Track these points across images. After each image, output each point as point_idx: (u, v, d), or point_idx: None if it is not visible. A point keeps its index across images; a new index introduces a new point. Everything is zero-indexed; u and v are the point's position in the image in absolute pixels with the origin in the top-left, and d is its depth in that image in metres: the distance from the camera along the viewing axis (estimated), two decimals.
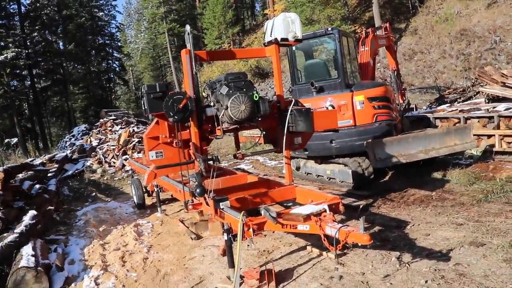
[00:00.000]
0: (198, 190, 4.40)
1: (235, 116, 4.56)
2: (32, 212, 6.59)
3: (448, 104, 12.26)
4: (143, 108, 5.05)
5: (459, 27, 23.70)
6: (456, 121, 9.52)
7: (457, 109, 10.14)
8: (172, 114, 4.47)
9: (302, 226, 3.87)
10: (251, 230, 3.96)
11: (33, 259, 4.98)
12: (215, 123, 4.84)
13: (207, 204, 4.64)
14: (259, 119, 4.96)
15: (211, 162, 4.67)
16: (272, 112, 5.10)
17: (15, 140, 33.49)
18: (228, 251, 4.36)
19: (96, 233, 6.99)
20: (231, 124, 4.80)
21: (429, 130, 8.34)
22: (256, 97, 4.72)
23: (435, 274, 4.07)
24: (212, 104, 4.85)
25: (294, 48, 8.58)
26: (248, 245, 5.30)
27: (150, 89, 4.81)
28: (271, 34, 5.18)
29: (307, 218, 3.90)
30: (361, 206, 6.36)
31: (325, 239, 3.74)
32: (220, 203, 4.46)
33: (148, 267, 5.26)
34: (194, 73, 4.75)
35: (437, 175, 7.79)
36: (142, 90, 4.91)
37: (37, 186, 8.72)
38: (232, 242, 4.29)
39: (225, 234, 4.28)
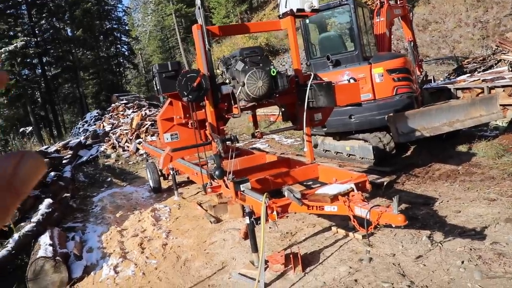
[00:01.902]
0: (217, 173, 4.19)
1: (253, 93, 4.31)
2: (48, 201, 6.47)
3: (468, 74, 11.82)
4: (155, 89, 4.82)
5: None
6: (479, 91, 9.13)
7: (479, 79, 9.73)
8: (186, 94, 4.23)
9: (330, 207, 3.65)
10: (274, 212, 3.75)
11: (50, 248, 4.86)
12: (232, 101, 4.60)
13: (227, 186, 4.44)
14: (277, 95, 4.71)
15: (229, 143, 4.44)
16: (290, 88, 4.84)
17: (29, 128, 33.75)
18: (250, 235, 4.16)
19: (113, 219, 6.86)
20: (248, 102, 4.56)
21: (453, 101, 7.99)
22: (273, 72, 4.46)
23: (471, 254, 3.84)
24: (227, 81, 4.60)
25: (307, 20, 8.24)
26: (270, 228, 5.11)
27: (162, 68, 4.56)
28: (286, 5, 4.88)
29: (334, 198, 3.67)
30: (385, 183, 6.11)
31: (355, 220, 3.51)
32: (241, 185, 4.26)
33: (168, 253, 5.10)
34: (207, 49, 4.49)
35: (462, 148, 7.47)
36: (154, 70, 4.67)
37: (52, 173, 8.61)
38: (254, 225, 4.09)
39: (247, 217, 4.08)
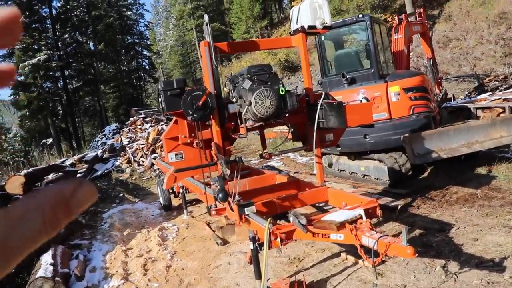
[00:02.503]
0: (220, 195, 4.04)
1: (260, 113, 4.17)
2: None
3: (489, 93, 11.49)
4: (161, 107, 4.72)
5: (498, 10, 22.49)
6: (500, 111, 8.82)
7: (500, 98, 9.42)
8: (191, 112, 4.11)
9: (336, 235, 3.45)
10: (278, 239, 3.58)
11: (51, 268, 4.75)
12: (238, 121, 4.46)
13: (232, 209, 4.28)
14: (287, 114, 4.56)
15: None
16: (300, 107, 4.69)
17: (50, 140, 34.31)
18: (254, 261, 3.97)
19: (119, 237, 6.75)
20: (256, 122, 4.41)
21: (472, 121, 7.70)
22: (282, 91, 4.32)
23: (488, 287, 3.58)
24: (234, 100, 4.47)
25: (323, 37, 8.12)
26: (276, 253, 4.91)
27: (167, 85, 4.45)
28: (297, 21, 4.76)
29: (341, 226, 3.48)
30: (399, 207, 5.86)
31: (362, 250, 3.31)
32: (245, 209, 4.10)
33: (171, 276, 4.94)
34: (214, 66, 4.38)
35: (481, 170, 7.18)
36: (159, 87, 4.57)
37: None
38: (258, 251, 3.91)
39: (251, 242, 3.90)
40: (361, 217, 3.61)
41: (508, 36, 20.80)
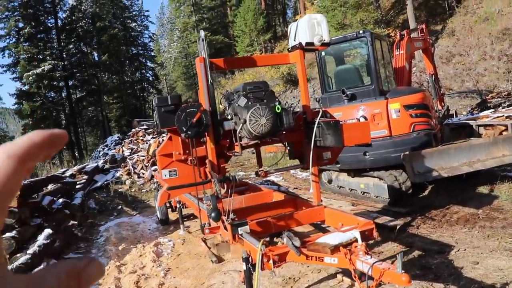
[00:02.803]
0: (213, 215, 3.95)
1: (255, 131, 4.09)
2: (48, 231, 6.30)
3: (492, 110, 11.40)
4: (155, 123, 4.65)
5: (501, 26, 22.49)
6: (502, 129, 8.73)
7: (503, 115, 9.34)
8: (185, 129, 4.04)
9: (330, 259, 3.36)
10: (271, 261, 3.48)
11: None
12: (233, 138, 4.38)
13: (225, 228, 4.19)
14: (283, 132, 4.48)
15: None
16: (297, 125, 4.61)
17: None
18: (247, 282, 3.87)
19: (114, 252, 6.65)
20: (251, 139, 4.33)
21: (474, 140, 7.61)
22: (278, 108, 4.24)
23: None
24: (229, 117, 4.40)
25: (323, 53, 8.07)
26: (270, 274, 4.80)
27: (161, 102, 4.39)
28: (295, 38, 4.70)
29: (335, 249, 3.38)
30: (398, 227, 5.75)
31: (356, 275, 3.21)
32: (239, 228, 4.00)
33: None
34: (209, 83, 4.32)
35: (483, 189, 7.06)
36: (153, 103, 4.51)
37: (60, 200, 8.49)
38: (251, 272, 3.80)
39: (244, 263, 3.80)
40: (356, 240, 3.51)
41: (511, 53, 20.76)
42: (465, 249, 4.95)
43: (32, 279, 0.36)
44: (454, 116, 12.17)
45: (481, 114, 10.84)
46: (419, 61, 20.16)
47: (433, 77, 11.01)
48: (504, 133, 8.69)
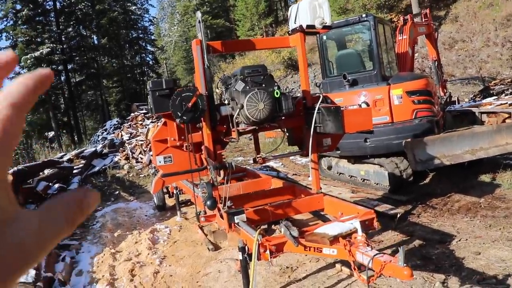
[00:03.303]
0: (208, 203, 3.82)
1: (253, 116, 3.94)
2: None
3: (495, 97, 11.24)
4: (149, 108, 4.50)
5: (506, 12, 22.16)
6: (506, 116, 8.58)
7: (506, 103, 9.18)
8: (180, 115, 3.89)
9: (329, 250, 3.24)
10: (268, 252, 3.37)
11: (33, 272, 4.55)
12: (230, 124, 4.24)
13: (221, 216, 4.07)
14: (282, 118, 4.34)
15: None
16: (297, 110, 4.47)
17: (52, 133, 34.23)
18: (243, 272, 3.76)
19: (110, 239, 6.55)
20: (249, 125, 4.18)
21: (476, 127, 7.46)
22: (277, 93, 4.09)
23: None
24: (226, 102, 4.25)
25: (325, 37, 7.88)
26: (267, 264, 4.70)
27: (156, 85, 4.22)
28: (295, 21, 4.53)
29: (334, 240, 3.26)
30: (398, 215, 5.64)
31: (355, 267, 3.09)
32: (235, 217, 3.89)
33: (158, 283, 4.74)
34: (206, 66, 4.16)
35: (485, 178, 6.94)
36: (147, 87, 4.35)
37: (56, 186, 8.40)
38: (247, 262, 3.70)
39: (240, 253, 3.69)
40: (356, 231, 3.39)
41: None
42: (466, 239, 4.84)
43: (44, 213, 0.38)
44: (457, 103, 12.02)
45: (484, 101, 10.68)
46: (421, 47, 19.87)
47: (436, 63, 10.81)
48: (507, 120, 8.55)
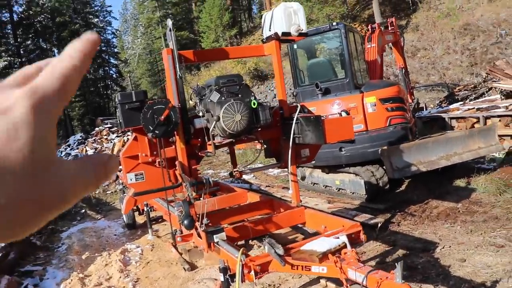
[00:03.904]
0: (185, 222, 3.57)
1: (229, 128, 3.73)
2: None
3: (461, 102, 11.44)
4: (118, 122, 4.22)
5: (462, 21, 22.91)
6: (474, 121, 8.70)
7: (473, 108, 9.31)
8: (151, 128, 3.64)
9: (318, 268, 3.05)
10: (252, 272, 3.14)
11: None
12: (206, 137, 4.01)
13: (199, 235, 3.82)
14: (259, 129, 4.15)
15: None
16: (274, 121, 4.28)
17: None
18: None
19: (77, 262, 6.15)
20: (225, 138, 3.97)
21: (450, 133, 7.50)
22: (254, 104, 3.90)
23: None
24: (201, 114, 4.02)
25: (295, 46, 7.77)
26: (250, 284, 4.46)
27: (125, 98, 3.93)
28: (270, 28, 4.37)
29: (323, 257, 3.07)
30: (379, 225, 5.52)
31: (347, 284, 2.91)
32: (214, 236, 3.64)
33: None
34: (178, 77, 3.93)
35: (460, 183, 6.95)
36: (116, 99, 4.06)
37: None
38: (229, 283, 3.46)
39: (221, 274, 3.45)
40: (345, 246, 3.22)
41: (472, 47, 21.14)
42: (450, 246, 4.77)
43: (79, 164, 0.41)
44: (424, 109, 12.17)
45: (451, 106, 10.84)
46: (385, 55, 20.20)
47: (403, 70, 10.91)
48: (476, 125, 8.66)
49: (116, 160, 0.44)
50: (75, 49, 0.42)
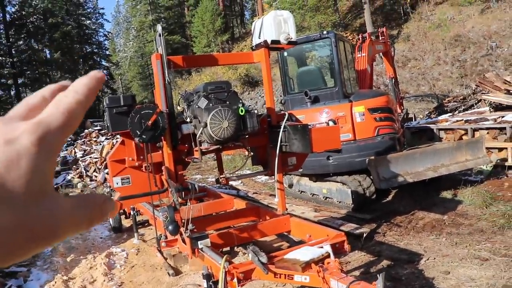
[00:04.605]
0: (170, 228, 3.56)
1: (216, 135, 3.73)
2: None
3: (450, 114, 11.54)
4: (106, 125, 4.20)
5: (453, 33, 23.15)
6: (462, 133, 8.77)
7: (462, 120, 9.40)
8: (139, 133, 3.63)
9: (300, 277, 3.05)
10: (235, 280, 3.13)
11: None
12: (193, 143, 4.00)
13: (184, 241, 3.81)
14: (246, 136, 4.15)
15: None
16: (261, 129, 4.29)
17: None
18: None
19: (62, 264, 6.09)
20: (212, 144, 3.96)
21: (438, 144, 7.56)
22: (242, 111, 3.91)
23: None
24: (188, 120, 4.01)
25: (285, 53, 7.79)
26: None
27: (113, 102, 3.92)
28: (259, 36, 4.38)
29: (306, 266, 3.07)
30: (364, 235, 5.53)
31: None
32: (199, 242, 3.63)
33: None
34: (166, 82, 3.93)
35: (447, 194, 6.99)
36: (104, 103, 4.05)
37: None
38: None
39: (205, 280, 3.43)
40: (328, 255, 3.22)
41: (463, 58, 21.35)
42: (434, 258, 4.78)
43: (75, 202, 0.41)
44: (413, 120, 12.26)
45: (440, 118, 10.93)
46: (376, 64, 20.33)
47: (393, 80, 11.01)
48: (464, 137, 8.74)
49: (112, 202, 0.45)
50: (81, 85, 0.43)
